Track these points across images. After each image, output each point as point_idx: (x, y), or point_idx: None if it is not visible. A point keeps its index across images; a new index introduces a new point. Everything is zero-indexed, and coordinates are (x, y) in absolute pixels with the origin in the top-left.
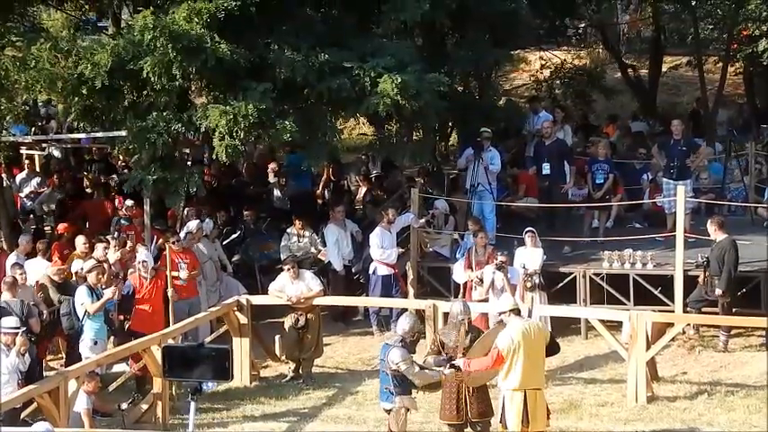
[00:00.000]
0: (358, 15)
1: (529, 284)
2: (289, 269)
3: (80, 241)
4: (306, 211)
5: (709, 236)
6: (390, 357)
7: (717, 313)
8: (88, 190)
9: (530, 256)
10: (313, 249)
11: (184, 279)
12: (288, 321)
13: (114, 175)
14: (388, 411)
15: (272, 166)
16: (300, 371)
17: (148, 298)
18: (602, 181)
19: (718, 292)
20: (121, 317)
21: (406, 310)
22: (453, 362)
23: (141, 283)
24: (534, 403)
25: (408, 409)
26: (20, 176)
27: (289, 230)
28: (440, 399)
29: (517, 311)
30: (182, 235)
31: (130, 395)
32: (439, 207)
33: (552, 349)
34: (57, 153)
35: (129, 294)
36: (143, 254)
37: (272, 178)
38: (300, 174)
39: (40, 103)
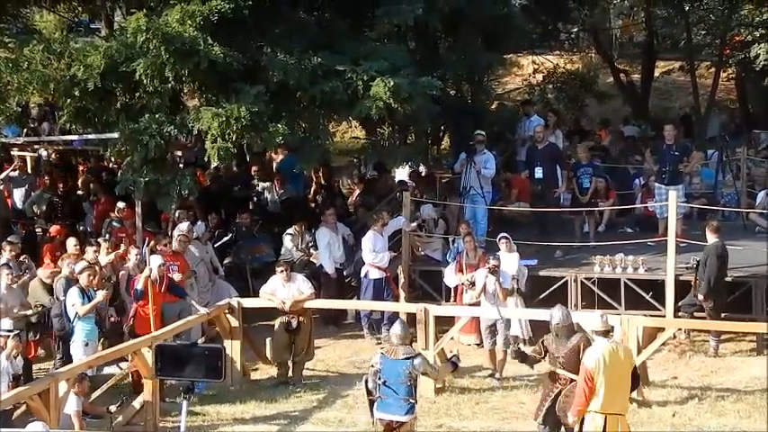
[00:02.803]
0: (351, 19)
1: (508, 288)
2: (282, 271)
3: (71, 243)
4: (298, 214)
5: (700, 241)
6: (417, 365)
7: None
8: (80, 192)
9: (506, 260)
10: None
11: (176, 281)
12: (279, 324)
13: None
14: (399, 424)
15: (254, 168)
16: (290, 374)
17: (154, 301)
18: (588, 185)
19: (700, 297)
20: (112, 318)
21: (397, 313)
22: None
23: (152, 287)
24: (615, 429)
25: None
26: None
27: (291, 231)
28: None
29: (605, 333)
30: (175, 235)
31: (119, 397)
32: (424, 213)
33: (634, 382)
34: (44, 153)
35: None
36: (157, 259)
37: (262, 184)
38: (293, 177)
39: (31, 105)
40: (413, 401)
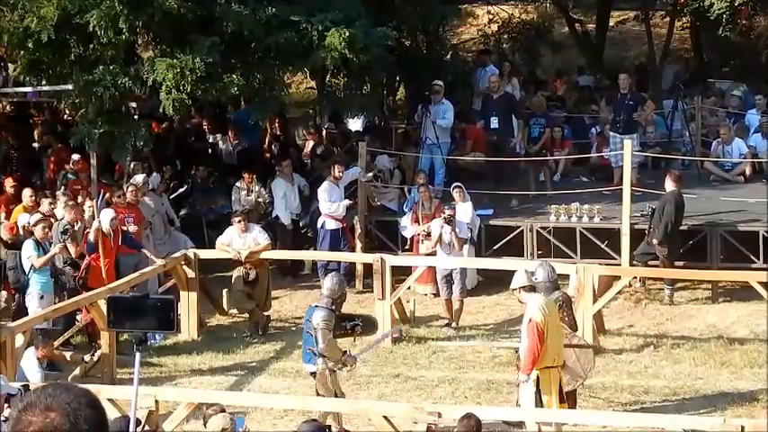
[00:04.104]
0: None
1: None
2: (239, 221)
3: (26, 194)
4: (254, 165)
5: (655, 190)
6: (314, 317)
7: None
8: (36, 144)
9: (460, 210)
10: (260, 200)
11: (132, 233)
12: (236, 275)
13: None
14: (313, 374)
15: (205, 121)
16: (248, 323)
17: (107, 254)
18: (536, 135)
19: (654, 242)
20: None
21: (354, 264)
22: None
23: (105, 240)
24: (560, 380)
25: (334, 371)
26: None
27: (238, 184)
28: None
29: (531, 288)
30: (128, 189)
31: (91, 347)
32: (380, 163)
33: None
34: None
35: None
36: (108, 213)
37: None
38: (248, 128)
39: None
40: (311, 352)
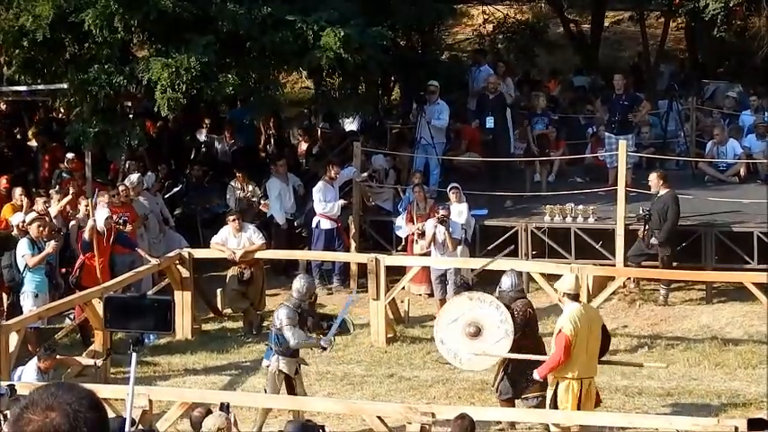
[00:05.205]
0: None
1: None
2: (233, 220)
3: (16, 193)
4: (249, 164)
5: (650, 190)
6: (277, 314)
7: (657, 267)
8: (32, 143)
9: (456, 210)
10: (255, 199)
11: (126, 232)
12: (231, 275)
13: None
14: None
15: (206, 120)
16: (243, 322)
17: (101, 253)
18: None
19: (655, 241)
20: (63, 269)
21: (348, 263)
22: (532, 377)
23: (99, 239)
24: (587, 393)
25: (286, 373)
26: None
27: (232, 183)
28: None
29: (575, 296)
30: (120, 188)
31: (105, 351)
32: (375, 163)
33: (605, 344)
34: None
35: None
36: (104, 211)
37: (203, 135)
38: (243, 127)
39: None
40: (268, 347)
